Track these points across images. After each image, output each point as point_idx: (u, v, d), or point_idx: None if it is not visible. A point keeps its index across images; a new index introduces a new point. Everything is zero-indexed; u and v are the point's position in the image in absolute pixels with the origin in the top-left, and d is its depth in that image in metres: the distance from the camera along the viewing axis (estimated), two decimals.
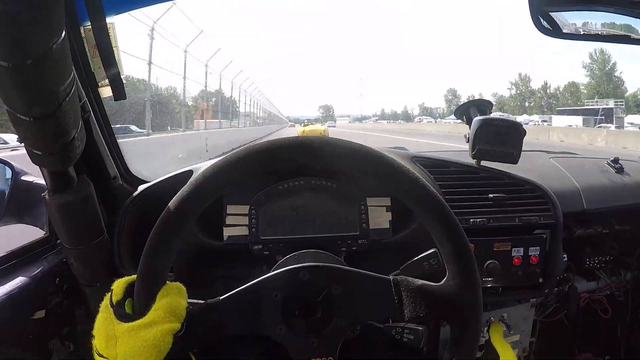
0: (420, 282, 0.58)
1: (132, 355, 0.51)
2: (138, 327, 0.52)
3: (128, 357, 0.51)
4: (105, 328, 0.53)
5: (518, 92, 63.17)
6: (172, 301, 0.53)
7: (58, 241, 0.91)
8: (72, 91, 0.58)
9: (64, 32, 0.50)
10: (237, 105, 23.39)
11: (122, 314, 0.53)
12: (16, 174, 0.96)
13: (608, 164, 1.28)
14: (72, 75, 0.56)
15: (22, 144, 0.63)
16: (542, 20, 0.87)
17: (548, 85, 60.57)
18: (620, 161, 1.27)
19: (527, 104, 61.32)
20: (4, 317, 0.72)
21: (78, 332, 0.89)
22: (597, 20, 0.99)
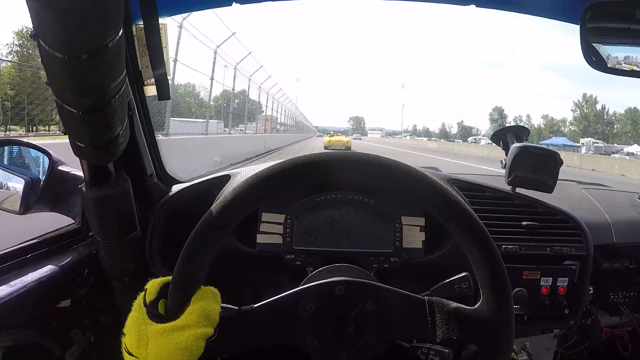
0: (455, 304, 0.58)
1: (163, 357, 0.51)
2: (171, 329, 0.52)
3: (159, 359, 0.51)
4: (138, 327, 0.53)
5: (582, 114, 59.22)
6: (207, 305, 0.54)
7: (90, 233, 0.92)
8: (123, 89, 0.59)
9: (121, 31, 0.51)
10: (262, 110, 22.46)
11: (155, 314, 0.54)
12: (53, 162, 0.98)
13: (639, 198, 1.27)
14: (124, 72, 0.57)
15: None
16: (591, 54, 0.88)
17: (606, 110, 57.52)
18: None
19: (591, 128, 57.69)
20: (30, 302, 0.73)
21: (100, 324, 0.90)
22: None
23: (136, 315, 0.54)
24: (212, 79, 11.50)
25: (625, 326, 1.28)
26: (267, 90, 20.59)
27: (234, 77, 13.57)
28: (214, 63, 11.77)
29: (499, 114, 78.15)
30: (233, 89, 14.74)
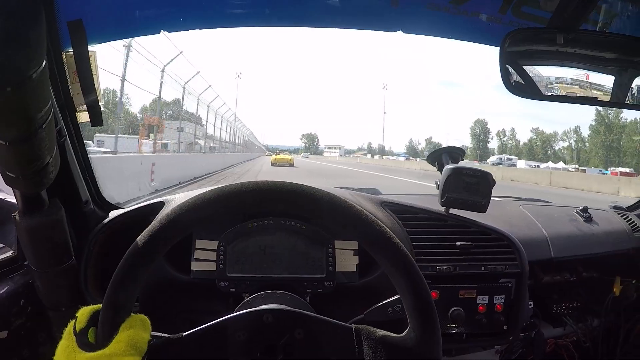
0: (382, 332, 0.58)
1: None
2: (98, 357, 0.51)
3: None
4: (67, 356, 0.53)
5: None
6: (135, 334, 0.53)
7: (26, 262, 0.90)
8: (50, 118, 0.58)
9: (44, 62, 0.50)
10: (203, 124, 19.90)
11: (84, 343, 0.53)
12: None
13: (577, 212, 1.31)
14: (50, 102, 0.57)
15: None
16: (512, 76, 0.90)
17: None
18: (589, 210, 1.30)
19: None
20: None
21: (39, 355, 0.88)
22: (569, 76, 1.03)
23: (66, 343, 0.54)
24: (123, 79, 9.79)
25: (569, 336, 1.32)
26: (208, 103, 17.80)
27: (162, 75, 11.66)
28: (161, 84, 11.09)
29: (481, 128, 72.59)
30: (159, 97, 12.69)
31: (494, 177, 1.01)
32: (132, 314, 0.55)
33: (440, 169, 1.05)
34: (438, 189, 1.02)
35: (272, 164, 26.32)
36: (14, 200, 0.90)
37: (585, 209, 1.30)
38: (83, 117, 0.93)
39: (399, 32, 0.92)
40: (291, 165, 26.43)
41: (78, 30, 0.86)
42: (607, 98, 0.96)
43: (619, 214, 1.40)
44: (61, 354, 0.54)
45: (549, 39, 0.91)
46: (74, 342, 0.53)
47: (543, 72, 0.98)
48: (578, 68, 1.00)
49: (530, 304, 1.09)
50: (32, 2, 0.48)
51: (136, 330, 0.54)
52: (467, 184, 0.99)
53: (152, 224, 0.55)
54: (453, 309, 0.97)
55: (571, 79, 0.98)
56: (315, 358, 0.58)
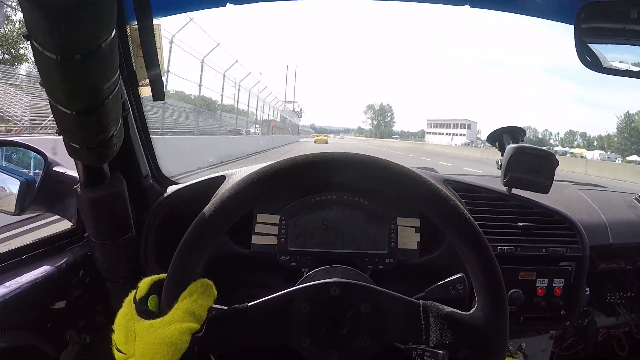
0: (449, 309, 0.57)
1: (149, 352, 0.51)
2: (157, 324, 0.52)
3: (145, 354, 0.51)
4: (126, 324, 0.54)
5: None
6: (193, 301, 0.54)
7: (85, 234, 0.92)
8: (116, 89, 0.59)
9: (114, 31, 0.51)
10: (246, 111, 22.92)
11: (144, 311, 0.54)
12: (49, 164, 0.98)
13: (636, 199, 1.27)
14: (117, 73, 0.57)
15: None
16: (585, 54, 0.88)
17: None
18: None
19: None
20: (25, 304, 0.73)
21: (96, 326, 0.90)
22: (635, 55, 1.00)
23: (125, 311, 0.55)
24: (200, 85, 12.08)
25: (622, 327, 1.28)
26: (257, 94, 21.15)
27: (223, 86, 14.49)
28: (201, 71, 12.35)
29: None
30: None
31: (557, 158, 0.99)
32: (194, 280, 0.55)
33: (501, 149, 1.03)
34: (499, 168, 1.00)
35: (315, 142, 37.84)
36: (74, 174, 0.92)
37: None
38: (145, 91, 0.94)
39: (467, 7, 0.90)
40: (326, 142, 37.83)
41: (143, 3, 0.87)
42: None
43: None
44: (120, 321, 0.55)
45: (622, 13, 0.88)
46: (134, 309, 0.54)
47: (611, 50, 0.95)
48: None
49: (587, 290, 1.07)
50: None
51: (195, 297, 0.54)
52: (530, 164, 0.97)
53: (220, 194, 0.55)
54: (512, 290, 0.95)
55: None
56: (381, 333, 0.57)
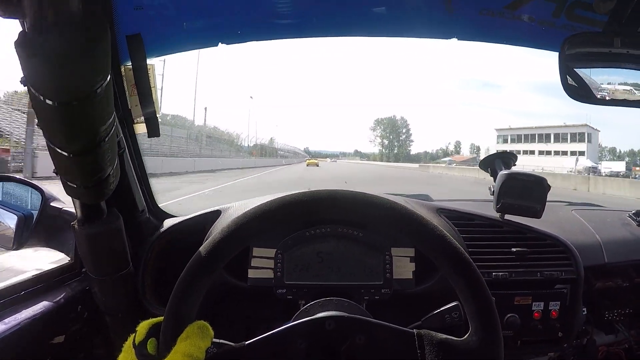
0: (443, 336, 0.58)
1: None
2: None
3: None
4: None
5: None
6: (191, 344, 0.54)
7: (83, 269, 0.92)
8: (113, 130, 0.60)
9: (109, 76, 0.52)
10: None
11: (143, 354, 0.55)
12: (46, 199, 0.99)
13: (630, 216, 1.27)
14: (113, 115, 0.59)
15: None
16: (569, 80, 0.89)
17: None
18: None
19: None
20: (24, 340, 0.74)
21: (94, 359, 0.90)
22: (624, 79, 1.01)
23: (125, 356, 0.56)
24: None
25: (621, 344, 1.27)
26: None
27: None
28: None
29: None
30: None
31: (548, 182, 0.99)
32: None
33: (493, 175, 1.04)
34: (492, 194, 1.01)
35: (307, 165, 40.17)
36: (72, 210, 0.93)
37: (638, 213, 1.26)
38: (140, 128, 0.95)
39: (454, 40, 0.92)
40: (317, 165, 40.51)
41: (137, 43, 0.89)
42: None
43: None
44: None
45: (605, 43, 0.90)
46: (134, 354, 0.55)
47: (600, 77, 0.96)
48: (632, 69, 0.98)
49: (584, 311, 1.07)
50: (98, 17, 0.49)
51: (193, 340, 0.54)
52: (522, 190, 0.98)
53: (213, 234, 0.56)
54: (508, 315, 0.96)
55: (628, 82, 0.95)
56: None
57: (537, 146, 55.01)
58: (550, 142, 53.27)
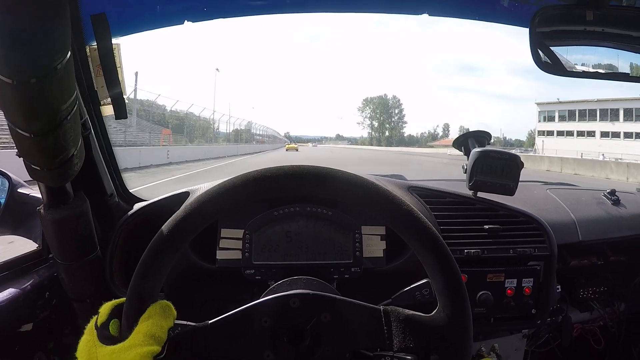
0: (410, 312, 0.58)
1: None
2: (119, 350, 0.52)
3: None
4: (88, 350, 0.54)
5: None
6: (153, 324, 0.53)
7: (50, 255, 0.91)
8: (74, 110, 0.58)
9: (69, 53, 0.51)
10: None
11: (105, 336, 0.54)
12: (13, 185, 0.97)
13: (605, 195, 1.29)
14: (74, 94, 0.57)
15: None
16: (542, 55, 0.89)
17: None
18: (617, 193, 1.28)
19: None
20: None
21: (64, 347, 0.89)
22: (597, 56, 1.01)
23: (87, 338, 0.55)
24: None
25: (596, 321, 1.30)
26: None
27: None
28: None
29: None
30: None
31: (521, 160, 1.00)
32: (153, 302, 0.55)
33: (467, 153, 1.04)
34: (465, 172, 1.01)
35: (287, 150, 42.22)
36: (38, 195, 0.91)
37: (612, 192, 1.28)
38: (107, 110, 0.93)
39: (425, 15, 0.91)
40: (297, 150, 42.79)
41: (101, 23, 0.87)
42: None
43: None
44: (82, 348, 0.55)
45: (578, 16, 0.89)
46: (95, 336, 0.54)
47: (573, 52, 0.96)
48: (607, 47, 0.98)
49: (558, 288, 1.08)
50: None
51: (155, 320, 0.54)
52: (495, 167, 0.98)
53: (175, 213, 0.55)
54: (481, 292, 0.96)
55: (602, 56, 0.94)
56: (343, 341, 0.58)
57: (598, 125, 36.90)
58: (618, 120, 35.24)
